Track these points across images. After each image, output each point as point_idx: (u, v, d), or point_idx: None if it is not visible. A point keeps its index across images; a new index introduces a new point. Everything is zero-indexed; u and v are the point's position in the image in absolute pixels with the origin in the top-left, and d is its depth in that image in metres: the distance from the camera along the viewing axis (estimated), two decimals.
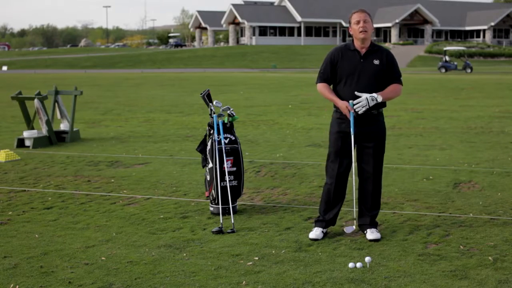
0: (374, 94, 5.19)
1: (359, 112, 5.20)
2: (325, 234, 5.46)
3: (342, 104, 5.25)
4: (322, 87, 5.41)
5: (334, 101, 5.32)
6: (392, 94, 5.32)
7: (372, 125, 5.33)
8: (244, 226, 5.85)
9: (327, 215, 5.50)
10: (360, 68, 5.25)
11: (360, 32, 5.22)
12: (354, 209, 5.74)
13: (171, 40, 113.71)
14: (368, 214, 5.47)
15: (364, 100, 5.16)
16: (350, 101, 5.22)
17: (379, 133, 5.38)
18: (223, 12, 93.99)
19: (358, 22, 5.24)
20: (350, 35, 5.63)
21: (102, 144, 11.34)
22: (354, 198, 5.73)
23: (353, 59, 5.29)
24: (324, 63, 5.42)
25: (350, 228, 5.48)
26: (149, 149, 10.69)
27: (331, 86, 5.47)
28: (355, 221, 5.65)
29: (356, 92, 5.22)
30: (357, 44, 5.32)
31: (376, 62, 5.28)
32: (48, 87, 25.25)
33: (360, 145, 5.39)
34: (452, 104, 19.48)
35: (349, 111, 5.21)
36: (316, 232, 5.41)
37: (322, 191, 5.61)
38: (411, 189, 7.35)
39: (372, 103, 5.18)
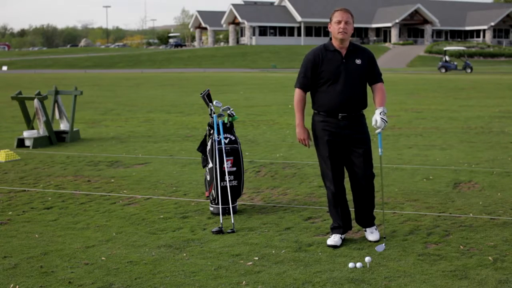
0: (380, 110, 5.16)
1: (381, 131, 5.20)
2: (342, 240, 5.30)
3: (300, 130, 5.27)
4: (298, 97, 5.32)
5: (299, 120, 5.28)
6: (385, 98, 5.31)
7: (357, 126, 5.24)
8: (244, 226, 5.84)
9: (341, 219, 5.32)
10: (343, 68, 5.15)
11: (339, 33, 5.12)
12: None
13: (171, 40, 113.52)
14: (365, 214, 5.42)
15: (381, 123, 5.14)
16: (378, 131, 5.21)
17: (365, 135, 5.29)
18: (223, 12, 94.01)
19: (339, 22, 5.13)
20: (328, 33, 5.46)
21: (102, 144, 11.35)
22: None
23: (335, 60, 5.17)
24: (305, 66, 5.26)
25: (380, 247, 5.09)
26: (149, 149, 10.70)
27: (307, 92, 5.39)
28: (384, 239, 5.36)
29: (373, 125, 5.18)
30: (336, 43, 5.21)
31: (358, 61, 5.19)
32: (48, 87, 25.26)
33: (349, 149, 5.26)
34: (452, 104, 19.48)
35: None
36: (334, 239, 5.23)
37: (326, 198, 5.44)
38: (411, 189, 7.35)
39: (385, 118, 5.18)
